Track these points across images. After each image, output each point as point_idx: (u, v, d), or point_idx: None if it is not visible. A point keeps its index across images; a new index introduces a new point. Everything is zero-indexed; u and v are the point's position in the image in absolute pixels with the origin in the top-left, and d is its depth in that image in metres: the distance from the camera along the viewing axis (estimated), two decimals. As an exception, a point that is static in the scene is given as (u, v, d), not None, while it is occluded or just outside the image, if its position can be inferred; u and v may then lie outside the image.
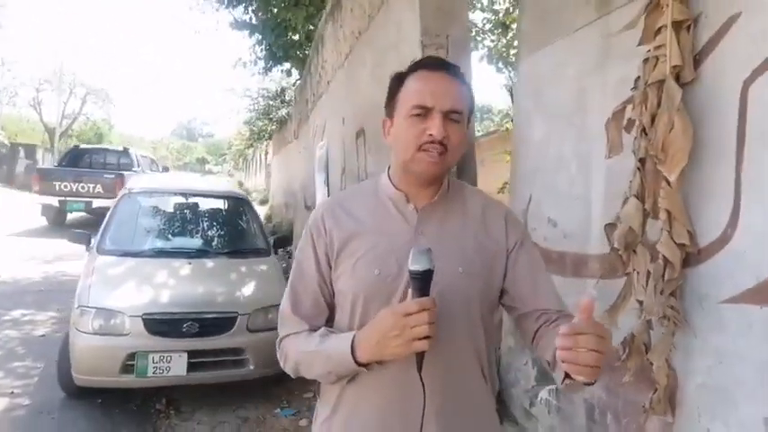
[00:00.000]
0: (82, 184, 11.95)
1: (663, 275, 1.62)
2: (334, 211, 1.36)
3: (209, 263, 4.61)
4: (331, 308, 1.37)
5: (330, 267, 1.33)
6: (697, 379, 1.65)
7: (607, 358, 1.03)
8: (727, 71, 1.59)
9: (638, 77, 1.76)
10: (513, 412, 2.86)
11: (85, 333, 3.82)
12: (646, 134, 1.68)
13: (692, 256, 1.63)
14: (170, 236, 5.01)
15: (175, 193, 5.44)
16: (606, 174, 2.13)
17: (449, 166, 1.28)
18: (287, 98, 18.99)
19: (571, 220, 2.35)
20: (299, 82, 9.97)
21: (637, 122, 1.73)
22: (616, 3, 2.09)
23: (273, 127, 17.17)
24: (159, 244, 4.84)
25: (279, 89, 19.06)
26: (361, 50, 4.31)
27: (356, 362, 1.19)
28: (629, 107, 1.79)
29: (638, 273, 1.71)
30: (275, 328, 4.13)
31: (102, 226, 4.82)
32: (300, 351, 1.31)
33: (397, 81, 1.32)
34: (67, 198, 11.96)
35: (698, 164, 1.62)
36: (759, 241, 1.49)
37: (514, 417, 2.83)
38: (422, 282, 1.12)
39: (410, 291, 1.15)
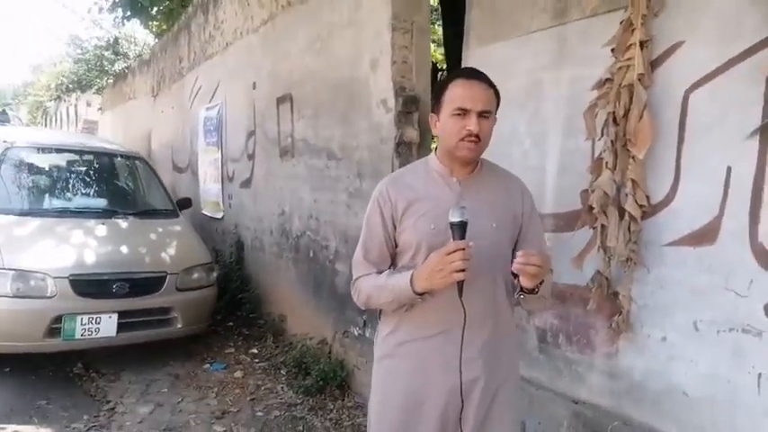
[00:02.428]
0: None
1: (629, 228, 2.23)
2: (395, 185, 1.79)
3: (122, 223, 4.48)
4: (392, 256, 1.79)
5: (394, 226, 1.75)
6: (640, 302, 2.31)
7: (544, 271, 1.58)
8: (673, 81, 2.22)
9: (608, 79, 2.33)
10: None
11: (3, 296, 3.60)
12: (616, 123, 2.27)
13: (645, 213, 2.26)
14: (70, 195, 4.72)
15: (69, 150, 5.08)
16: (559, 150, 2.71)
17: (481, 151, 1.76)
18: (122, 50, 17.47)
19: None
20: (160, 37, 9.39)
21: (608, 114, 2.30)
22: (572, 16, 2.65)
23: (110, 80, 15.71)
24: (60, 203, 4.57)
25: (111, 39, 17.42)
26: (292, 21, 4.46)
27: (414, 291, 1.61)
28: (601, 102, 2.35)
29: (605, 227, 2.31)
30: (201, 287, 4.35)
31: (-12, 182, 4.39)
32: (371, 286, 1.73)
33: (441, 87, 1.77)
34: None
35: (651, 146, 2.25)
36: (692, 203, 2.14)
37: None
38: (459, 229, 1.56)
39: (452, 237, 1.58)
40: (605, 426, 2.37)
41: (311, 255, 4.32)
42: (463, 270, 1.51)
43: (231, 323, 5.19)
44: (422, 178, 1.78)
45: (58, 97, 26.16)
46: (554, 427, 2.56)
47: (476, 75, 1.74)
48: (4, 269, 3.62)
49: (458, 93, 1.68)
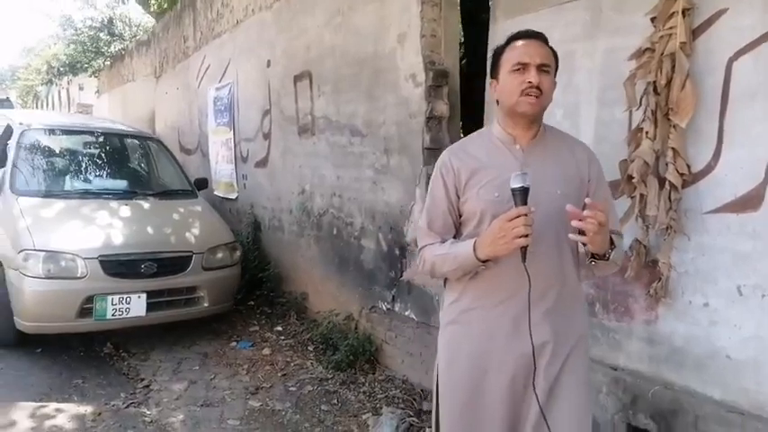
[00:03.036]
0: None
1: (669, 197, 2.26)
2: (458, 154, 1.80)
3: (144, 204, 4.50)
4: (456, 226, 1.80)
5: (458, 196, 1.76)
6: (680, 269, 2.35)
7: (605, 229, 1.55)
8: (716, 49, 2.23)
9: (648, 48, 2.34)
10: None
11: (35, 278, 3.63)
12: (657, 92, 2.28)
13: (685, 182, 2.29)
14: (90, 177, 4.72)
15: (86, 132, 5.06)
16: (594, 121, 2.73)
17: (544, 106, 1.73)
18: (117, 31, 17.27)
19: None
20: (161, 17, 9.27)
21: (648, 84, 2.32)
22: (606, -14, 2.65)
23: (107, 62, 15.54)
24: (81, 185, 4.58)
25: (106, 19, 17.20)
26: (310, -4, 4.44)
27: (477, 258, 1.62)
28: (641, 71, 2.36)
29: (644, 196, 2.34)
30: (226, 267, 4.38)
31: (8, 164, 4.37)
32: (435, 254, 1.75)
33: (498, 51, 1.78)
34: None
35: (693, 115, 2.27)
36: (735, 170, 2.16)
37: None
38: (520, 195, 1.55)
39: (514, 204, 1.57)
40: (646, 390, 2.42)
41: (335, 232, 4.35)
42: (526, 236, 1.51)
43: (252, 302, 5.23)
44: (484, 147, 1.78)
45: (50, 81, 25.88)
46: (593, 394, 2.62)
47: (533, 34, 1.75)
48: (35, 250, 3.64)
49: (515, 51, 1.69)
